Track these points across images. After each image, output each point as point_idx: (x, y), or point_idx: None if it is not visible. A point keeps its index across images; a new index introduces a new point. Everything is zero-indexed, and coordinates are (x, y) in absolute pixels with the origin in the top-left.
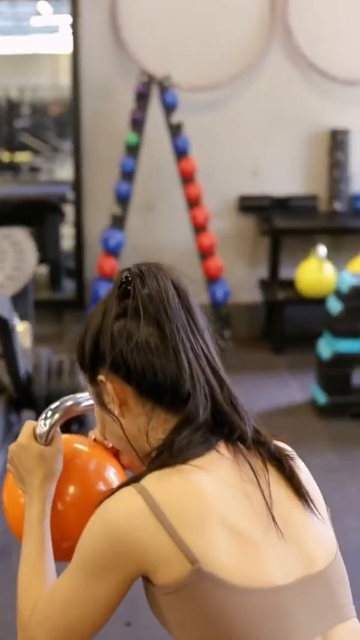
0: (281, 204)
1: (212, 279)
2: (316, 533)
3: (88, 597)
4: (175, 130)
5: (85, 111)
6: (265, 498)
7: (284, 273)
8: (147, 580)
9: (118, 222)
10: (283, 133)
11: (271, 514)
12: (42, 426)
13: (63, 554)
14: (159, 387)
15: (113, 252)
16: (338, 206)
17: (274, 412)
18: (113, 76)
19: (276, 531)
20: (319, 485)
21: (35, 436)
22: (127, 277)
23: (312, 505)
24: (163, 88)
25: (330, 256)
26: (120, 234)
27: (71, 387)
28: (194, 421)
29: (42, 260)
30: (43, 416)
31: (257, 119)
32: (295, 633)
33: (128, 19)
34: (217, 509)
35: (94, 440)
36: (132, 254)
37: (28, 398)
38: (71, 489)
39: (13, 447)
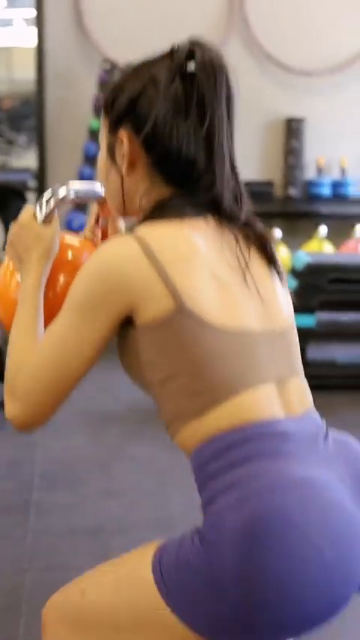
0: None
1: None
2: (283, 301)
3: (78, 338)
4: None
5: (48, 100)
6: (243, 261)
7: None
8: (127, 325)
9: (81, 205)
10: (241, 122)
11: (249, 273)
12: (41, 209)
13: None
14: (175, 164)
15: (76, 233)
16: (293, 192)
17: None
18: (77, 64)
19: (251, 288)
20: None
21: (35, 218)
22: (188, 50)
23: (283, 280)
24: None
25: (285, 239)
26: (83, 216)
27: None
28: (193, 198)
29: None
30: (41, 201)
31: None
32: (256, 375)
33: (91, 9)
34: (205, 258)
35: (85, 238)
36: None
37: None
38: (62, 279)
39: (13, 227)
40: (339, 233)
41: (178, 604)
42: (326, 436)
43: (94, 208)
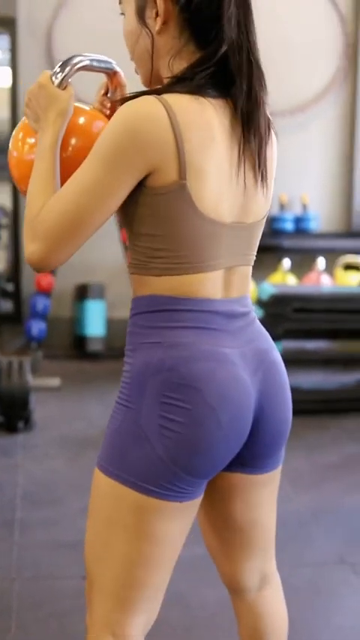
0: None
1: None
2: (262, 198)
3: (101, 187)
4: None
5: None
6: (242, 157)
7: None
8: (138, 186)
9: None
10: None
11: (242, 170)
12: (57, 74)
13: None
14: (206, 20)
15: None
16: None
17: None
18: None
19: (239, 184)
20: None
21: (51, 81)
22: None
23: (266, 183)
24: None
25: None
26: None
27: (21, 386)
28: (204, 60)
29: None
30: (57, 69)
31: None
32: (213, 262)
33: (63, 51)
34: (216, 148)
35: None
36: (67, 270)
37: None
38: (74, 142)
39: (31, 87)
40: (301, 266)
41: (123, 468)
42: (251, 322)
43: (103, 81)
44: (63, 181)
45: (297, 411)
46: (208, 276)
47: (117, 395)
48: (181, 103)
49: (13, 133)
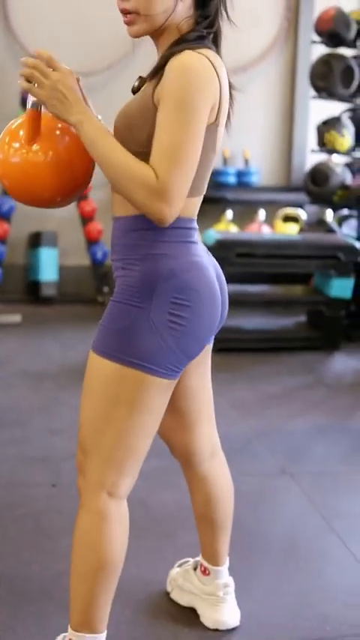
0: None
1: (93, 242)
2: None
3: (196, 133)
4: None
5: None
6: (231, 104)
7: None
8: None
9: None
10: None
11: (229, 115)
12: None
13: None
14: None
15: (5, 216)
16: None
17: None
18: (4, 60)
19: (226, 127)
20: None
21: None
22: None
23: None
24: None
25: None
26: (12, 200)
27: None
28: (208, 27)
29: None
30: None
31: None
32: (204, 187)
33: (17, 9)
34: (227, 95)
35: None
36: (22, 219)
37: None
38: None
39: (50, 74)
40: (243, 217)
41: (135, 355)
42: None
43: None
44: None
45: (241, 349)
46: (197, 200)
47: (117, 297)
48: (214, 57)
49: (0, 137)
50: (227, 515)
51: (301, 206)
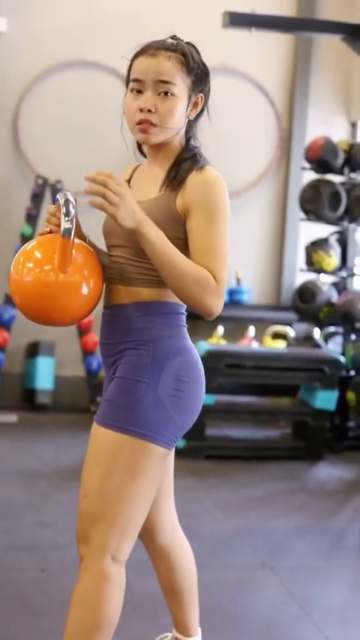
0: None
1: (89, 352)
2: None
3: (226, 239)
4: None
5: None
6: None
7: None
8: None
9: (12, 300)
10: None
11: None
12: (66, 221)
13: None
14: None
15: (6, 324)
16: None
17: None
18: (12, 179)
19: None
20: (184, 501)
21: None
22: None
23: None
24: (55, 190)
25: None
26: (13, 310)
27: None
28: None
29: None
30: (64, 217)
31: None
32: None
33: (27, 134)
34: None
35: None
36: (21, 327)
37: None
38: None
39: (110, 185)
40: (234, 333)
41: (143, 427)
42: None
43: (51, 206)
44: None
45: (228, 457)
46: None
47: (125, 375)
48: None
49: (15, 259)
50: (192, 585)
51: (289, 324)
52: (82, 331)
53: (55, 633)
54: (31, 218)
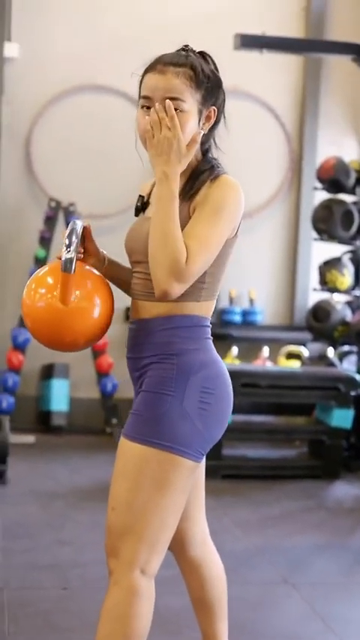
0: None
1: (103, 374)
2: None
3: (222, 237)
4: None
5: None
6: None
7: None
8: None
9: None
10: None
11: None
12: (68, 252)
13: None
14: (212, 130)
15: (20, 347)
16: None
17: None
18: (25, 202)
19: None
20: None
21: None
22: None
23: None
24: (68, 213)
25: None
26: (27, 333)
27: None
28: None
29: None
30: (66, 250)
31: None
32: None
33: (39, 157)
34: None
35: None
36: (35, 350)
37: None
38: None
39: (174, 131)
40: (248, 354)
41: (170, 440)
42: None
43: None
44: (40, 326)
45: (245, 476)
46: (214, 302)
47: (151, 388)
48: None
49: (27, 285)
50: (222, 596)
51: (303, 344)
52: (97, 353)
53: None
54: (45, 241)
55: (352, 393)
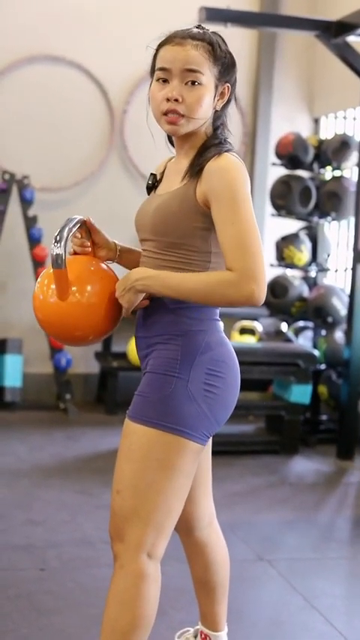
0: None
1: (57, 349)
2: None
3: (254, 220)
4: (30, 222)
5: None
6: None
7: (116, 347)
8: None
9: None
10: (117, 231)
11: None
12: (57, 249)
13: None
14: (225, 108)
15: None
16: None
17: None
18: None
19: None
20: None
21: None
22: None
23: None
24: (22, 186)
25: None
26: None
27: None
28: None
29: None
30: (55, 246)
31: (95, 218)
32: None
33: None
34: None
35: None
36: None
37: None
38: (89, 287)
39: (118, 285)
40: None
41: (175, 422)
42: None
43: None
44: (68, 320)
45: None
46: None
47: (156, 369)
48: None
49: (39, 280)
50: (225, 579)
51: (256, 319)
52: None
53: (67, 632)
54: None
55: (311, 369)
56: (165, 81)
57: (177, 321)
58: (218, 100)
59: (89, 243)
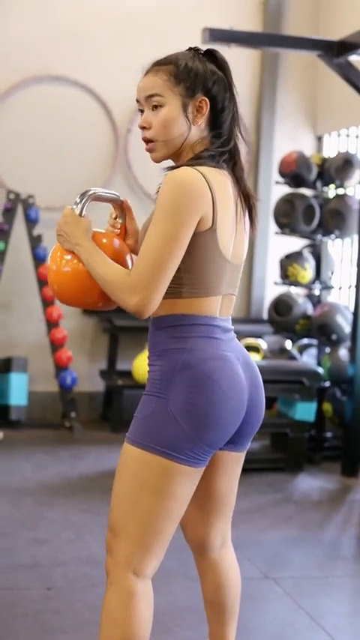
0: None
1: (62, 368)
2: (244, 247)
3: (171, 237)
4: (35, 241)
5: None
6: (240, 213)
7: (120, 365)
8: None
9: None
10: None
11: (241, 223)
12: (77, 205)
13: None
14: (221, 120)
15: None
16: None
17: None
18: None
19: (238, 234)
20: None
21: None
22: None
23: (247, 235)
24: (27, 206)
25: None
26: None
27: None
28: (220, 146)
29: None
30: (77, 199)
31: None
32: (218, 289)
33: None
34: (230, 203)
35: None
36: None
37: None
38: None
39: (59, 221)
40: None
41: (156, 442)
42: (234, 336)
43: (112, 210)
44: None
45: None
46: (214, 299)
47: (146, 390)
48: (210, 171)
49: (51, 251)
50: (236, 602)
51: (260, 336)
52: (56, 346)
53: None
54: (3, 233)
55: (316, 387)
56: (143, 111)
57: (158, 342)
58: (196, 115)
59: (119, 226)
